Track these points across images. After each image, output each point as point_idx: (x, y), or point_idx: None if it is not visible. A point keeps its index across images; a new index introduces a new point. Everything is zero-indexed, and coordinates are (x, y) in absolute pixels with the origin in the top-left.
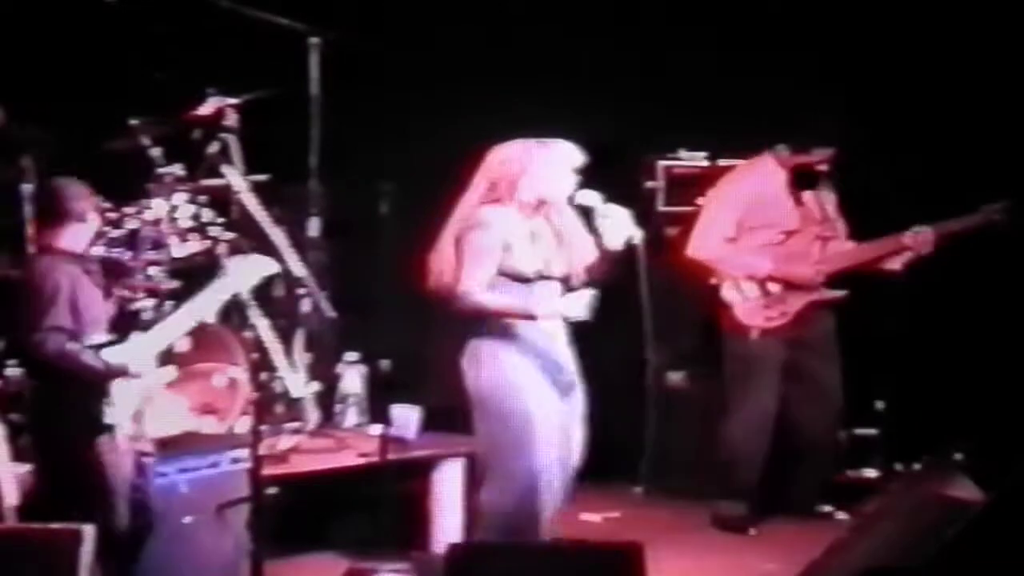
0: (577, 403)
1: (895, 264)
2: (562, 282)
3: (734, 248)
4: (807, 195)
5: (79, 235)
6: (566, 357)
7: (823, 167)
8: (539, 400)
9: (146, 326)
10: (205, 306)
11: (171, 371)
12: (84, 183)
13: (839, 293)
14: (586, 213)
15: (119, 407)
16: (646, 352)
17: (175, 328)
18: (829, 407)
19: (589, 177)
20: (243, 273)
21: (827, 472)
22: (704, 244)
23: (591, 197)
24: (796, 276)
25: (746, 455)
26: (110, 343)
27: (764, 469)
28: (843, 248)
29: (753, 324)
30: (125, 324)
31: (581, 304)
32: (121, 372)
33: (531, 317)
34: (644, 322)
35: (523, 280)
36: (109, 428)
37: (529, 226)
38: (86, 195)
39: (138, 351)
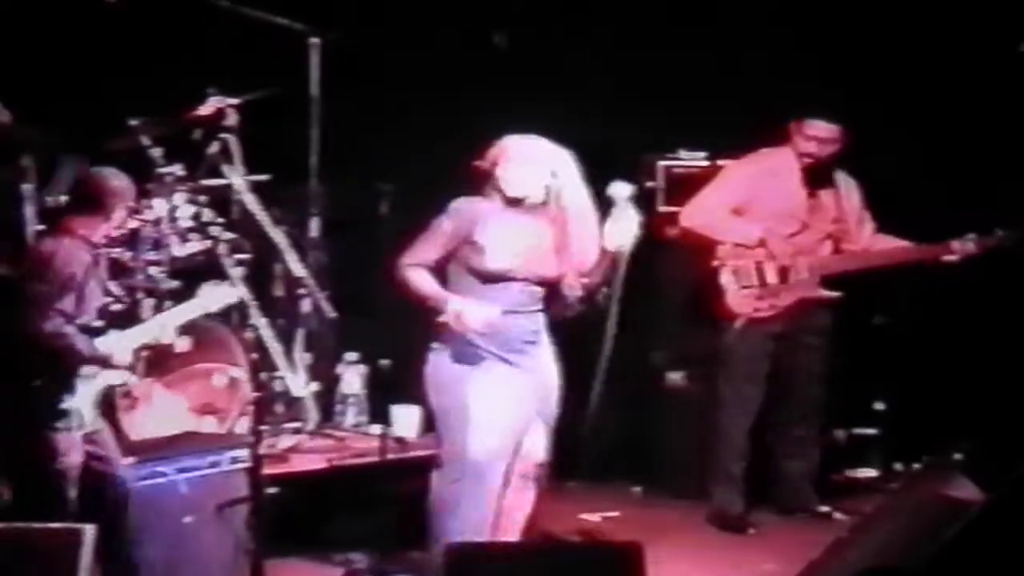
0: (540, 402)
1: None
2: (538, 285)
3: (726, 216)
4: (825, 192)
5: (100, 226)
6: (531, 354)
7: (833, 148)
8: (482, 396)
9: (121, 324)
10: (164, 324)
11: (123, 375)
12: (126, 179)
13: (834, 294)
14: (608, 205)
15: (80, 399)
16: (647, 352)
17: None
18: (808, 405)
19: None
20: (212, 297)
21: (809, 471)
22: (697, 212)
23: (621, 190)
24: (783, 250)
25: (728, 444)
26: (98, 331)
27: (750, 462)
28: (891, 244)
29: (740, 312)
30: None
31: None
32: (104, 360)
33: (442, 312)
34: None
35: (482, 278)
36: (66, 415)
37: (511, 222)
38: (122, 192)
39: (118, 346)
